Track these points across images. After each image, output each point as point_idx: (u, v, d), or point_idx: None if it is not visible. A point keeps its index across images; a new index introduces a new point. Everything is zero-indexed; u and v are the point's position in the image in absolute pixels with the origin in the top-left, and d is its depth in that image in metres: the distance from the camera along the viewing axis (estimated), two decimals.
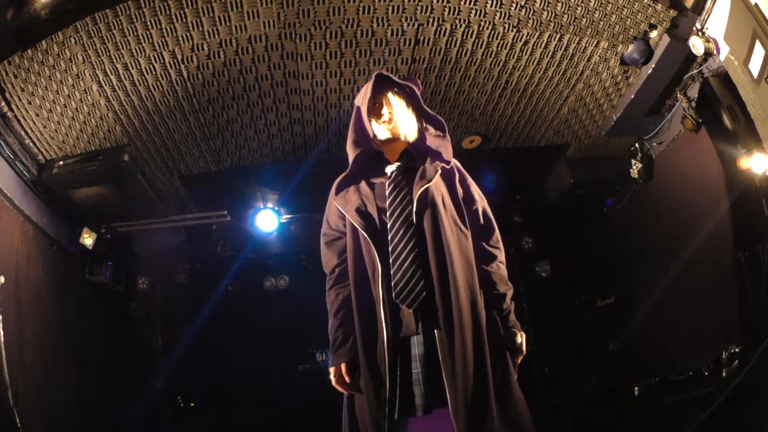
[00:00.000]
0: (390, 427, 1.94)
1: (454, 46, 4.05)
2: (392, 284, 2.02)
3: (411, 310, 2.01)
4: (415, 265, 2.02)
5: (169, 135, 4.54)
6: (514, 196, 6.58)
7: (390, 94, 2.31)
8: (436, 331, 1.99)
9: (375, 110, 2.30)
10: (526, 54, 4.26)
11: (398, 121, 2.30)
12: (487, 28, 3.95)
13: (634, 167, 5.43)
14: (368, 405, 1.98)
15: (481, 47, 4.11)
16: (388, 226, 2.10)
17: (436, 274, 2.03)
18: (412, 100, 2.36)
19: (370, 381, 1.99)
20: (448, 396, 1.92)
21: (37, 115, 3.88)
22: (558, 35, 4.14)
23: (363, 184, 2.24)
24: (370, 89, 2.27)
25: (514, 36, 4.07)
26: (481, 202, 2.32)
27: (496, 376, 2.00)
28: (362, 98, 2.32)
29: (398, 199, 2.13)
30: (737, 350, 4.00)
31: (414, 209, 2.10)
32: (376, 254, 2.06)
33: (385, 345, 1.99)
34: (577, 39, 4.22)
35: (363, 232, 2.11)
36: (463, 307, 2.00)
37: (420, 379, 1.99)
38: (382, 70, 4.08)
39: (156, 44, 3.64)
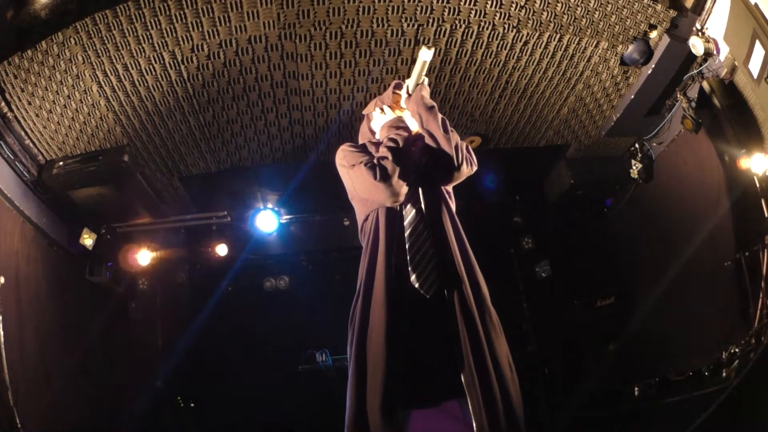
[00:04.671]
0: (402, 417, 1.97)
1: (454, 46, 4.05)
2: (414, 272, 2.11)
3: (428, 296, 2.09)
4: (431, 250, 2.16)
5: (169, 135, 4.54)
6: (514, 196, 6.58)
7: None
8: (458, 316, 2.07)
9: (393, 98, 2.44)
10: (526, 54, 4.26)
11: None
12: (487, 28, 3.95)
13: (634, 167, 5.43)
14: (382, 395, 2.00)
15: (480, 48, 4.11)
16: (404, 211, 2.23)
17: (454, 262, 2.16)
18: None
19: (385, 370, 2.02)
20: (478, 382, 1.99)
21: (37, 115, 3.88)
22: (558, 36, 4.14)
23: None
24: (389, 92, 2.44)
25: (514, 36, 4.06)
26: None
27: (502, 352, 2.12)
28: (373, 104, 2.48)
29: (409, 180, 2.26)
30: (737, 350, 4.00)
31: (420, 189, 2.24)
32: (391, 233, 2.19)
33: (399, 331, 2.05)
34: (577, 39, 4.22)
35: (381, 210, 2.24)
36: (473, 293, 2.13)
37: (432, 368, 2.07)
38: (383, 71, 4.13)
39: (156, 45, 3.64)
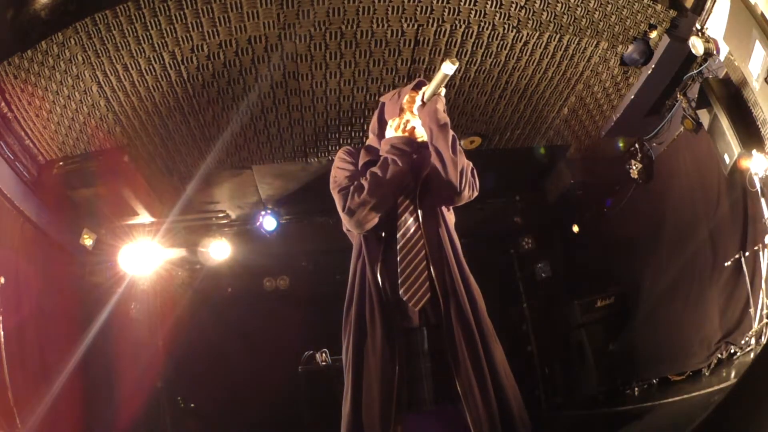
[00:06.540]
0: (396, 421, 1.96)
1: (454, 46, 4.05)
2: (403, 285, 2.06)
3: (417, 308, 2.06)
4: (423, 263, 2.09)
5: (170, 136, 4.54)
6: (514, 196, 6.58)
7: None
8: (455, 327, 2.04)
9: (410, 96, 2.31)
10: (526, 54, 4.26)
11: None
12: (487, 28, 3.95)
13: (634, 167, 5.42)
14: (379, 398, 1.99)
15: (480, 48, 4.11)
16: (399, 222, 2.17)
17: (445, 271, 2.11)
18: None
19: (380, 374, 2.01)
20: (477, 389, 1.96)
21: (36, 115, 3.89)
22: (558, 36, 4.14)
23: None
24: (409, 88, 2.31)
25: (514, 36, 4.06)
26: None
27: (499, 360, 2.08)
28: (392, 95, 2.37)
29: (408, 191, 2.21)
30: (737, 350, 4.00)
31: (418, 201, 2.17)
32: (382, 247, 2.12)
33: (394, 339, 2.02)
34: (577, 39, 4.22)
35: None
36: (466, 301, 2.08)
37: (428, 374, 2.04)
38: (383, 71, 4.12)
39: (156, 45, 3.64)
